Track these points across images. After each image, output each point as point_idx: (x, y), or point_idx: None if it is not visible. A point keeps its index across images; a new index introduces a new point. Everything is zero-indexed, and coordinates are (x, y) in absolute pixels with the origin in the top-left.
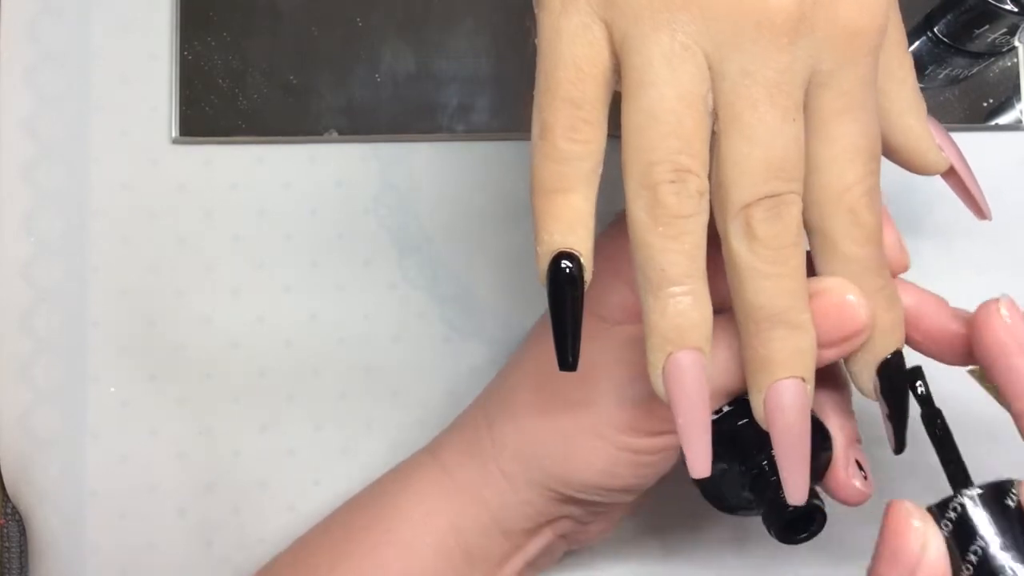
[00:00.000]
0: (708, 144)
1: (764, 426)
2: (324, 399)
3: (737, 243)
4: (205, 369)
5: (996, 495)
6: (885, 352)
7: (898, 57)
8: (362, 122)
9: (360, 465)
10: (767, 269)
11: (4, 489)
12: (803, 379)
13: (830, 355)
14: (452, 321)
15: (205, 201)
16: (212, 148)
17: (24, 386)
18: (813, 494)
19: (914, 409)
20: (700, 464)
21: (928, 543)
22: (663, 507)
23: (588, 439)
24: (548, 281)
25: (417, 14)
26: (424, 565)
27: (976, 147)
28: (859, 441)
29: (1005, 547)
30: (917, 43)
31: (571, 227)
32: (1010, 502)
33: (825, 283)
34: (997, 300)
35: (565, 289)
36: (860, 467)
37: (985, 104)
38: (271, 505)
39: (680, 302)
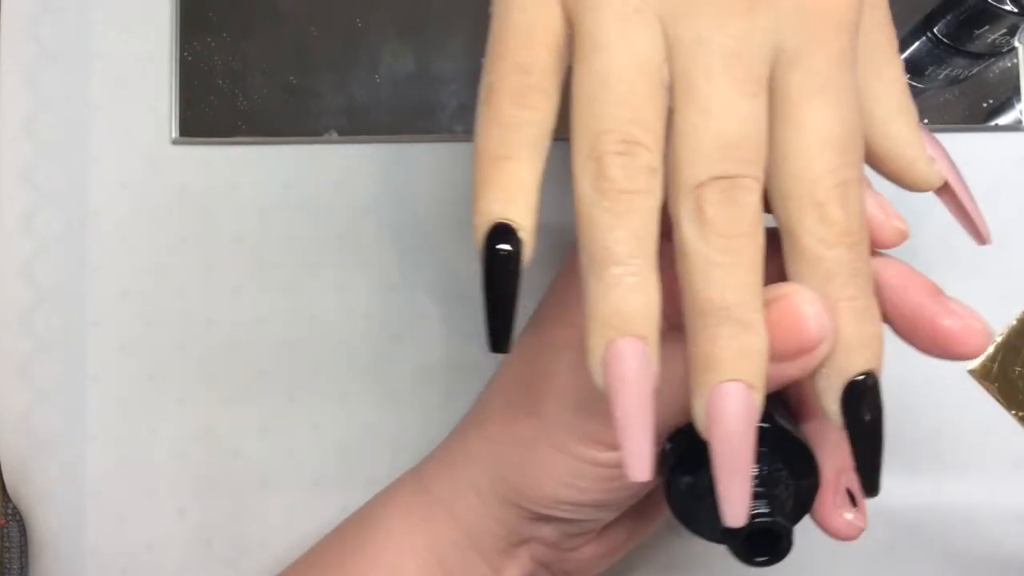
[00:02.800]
0: (663, 118)
1: (704, 434)
2: (324, 399)
3: (687, 227)
4: (205, 369)
5: None
6: (849, 372)
7: (886, 57)
8: (362, 122)
9: (360, 465)
10: (717, 258)
11: (4, 489)
12: (750, 385)
13: (790, 370)
14: (452, 321)
15: (205, 201)
16: (212, 148)
17: (24, 386)
18: (778, 513)
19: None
20: (637, 465)
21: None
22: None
23: (550, 451)
24: (482, 255)
25: (417, 14)
26: None
27: (976, 147)
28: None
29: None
30: (917, 43)
31: (511, 196)
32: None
33: (781, 289)
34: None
35: (500, 264)
36: (852, 498)
37: (985, 104)
38: (271, 505)
39: (623, 284)
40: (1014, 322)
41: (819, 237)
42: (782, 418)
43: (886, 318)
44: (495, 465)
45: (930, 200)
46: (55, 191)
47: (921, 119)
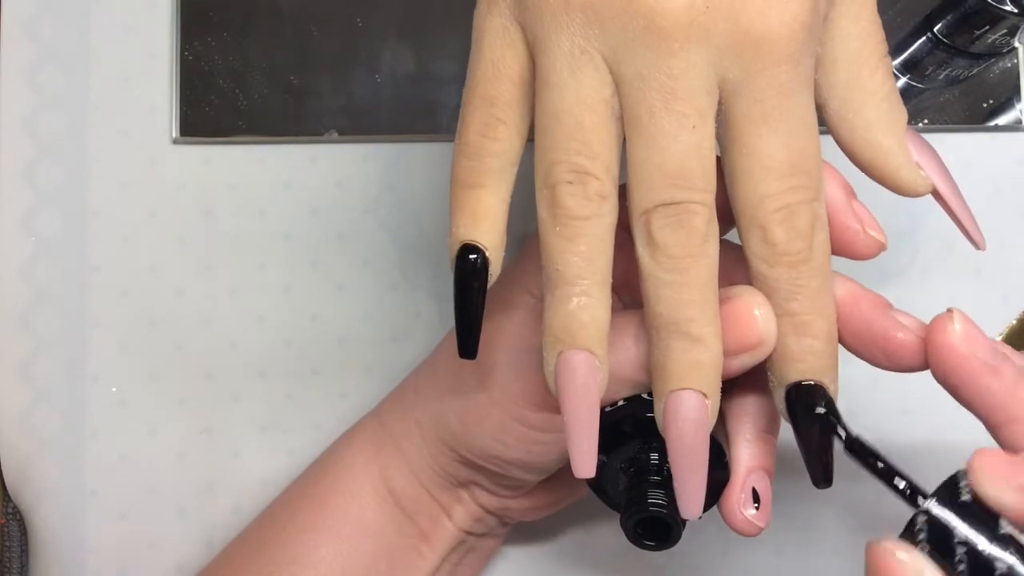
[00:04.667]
0: (614, 147)
1: (663, 432)
2: (324, 399)
3: (640, 249)
4: (205, 369)
5: (950, 496)
6: (785, 380)
7: (870, 67)
8: (362, 122)
9: None
10: (667, 277)
11: (5, 488)
12: (702, 393)
13: (733, 365)
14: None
15: (205, 201)
16: (212, 148)
17: (24, 386)
18: (675, 507)
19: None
20: (583, 463)
21: (923, 572)
22: None
23: (486, 403)
24: (454, 272)
25: (417, 14)
26: (368, 514)
27: (976, 147)
28: (768, 472)
29: (989, 539)
30: (917, 43)
31: (476, 221)
32: (965, 497)
33: (734, 290)
34: (950, 315)
35: (468, 280)
36: (757, 497)
37: (985, 104)
38: None
39: (572, 303)
40: (1014, 322)
41: (761, 256)
42: None
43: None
44: (438, 409)
45: (930, 201)
46: (55, 191)
47: (921, 119)
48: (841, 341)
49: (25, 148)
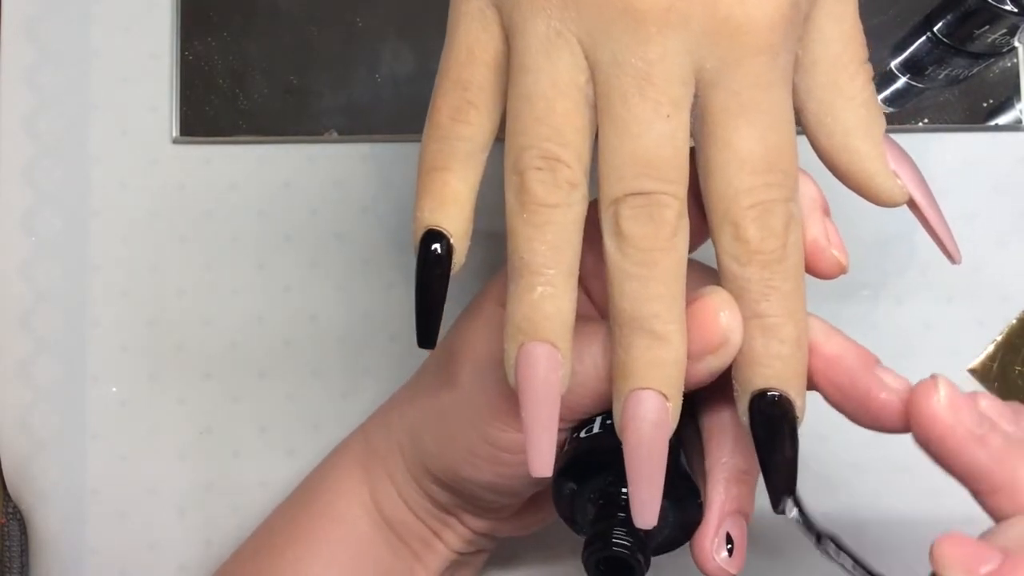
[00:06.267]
0: (586, 135)
1: (619, 434)
2: (324, 399)
3: (607, 240)
4: (205, 369)
5: None
6: (750, 387)
7: (850, 72)
8: (362, 122)
9: None
10: (633, 270)
11: (5, 488)
12: (663, 394)
13: (698, 369)
14: (450, 321)
15: (205, 201)
16: (212, 148)
17: (24, 386)
18: (639, 547)
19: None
20: (539, 462)
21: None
22: None
23: (459, 424)
24: (416, 257)
25: (417, 14)
26: (363, 540)
27: (976, 147)
28: (746, 515)
29: None
30: (917, 43)
31: (442, 205)
32: None
33: (702, 290)
34: (934, 382)
35: (430, 267)
36: (731, 542)
37: (985, 104)
38: (271, 505)
39: (536, 292)
40: (1014, 322)
41: (732, 255)
42: (682, 455)
43: (817, 387)
44: (416, 430)
45: None
46: (55, 191)
47: (921, 119)
48: (823, 393)
49: (25, 148)
